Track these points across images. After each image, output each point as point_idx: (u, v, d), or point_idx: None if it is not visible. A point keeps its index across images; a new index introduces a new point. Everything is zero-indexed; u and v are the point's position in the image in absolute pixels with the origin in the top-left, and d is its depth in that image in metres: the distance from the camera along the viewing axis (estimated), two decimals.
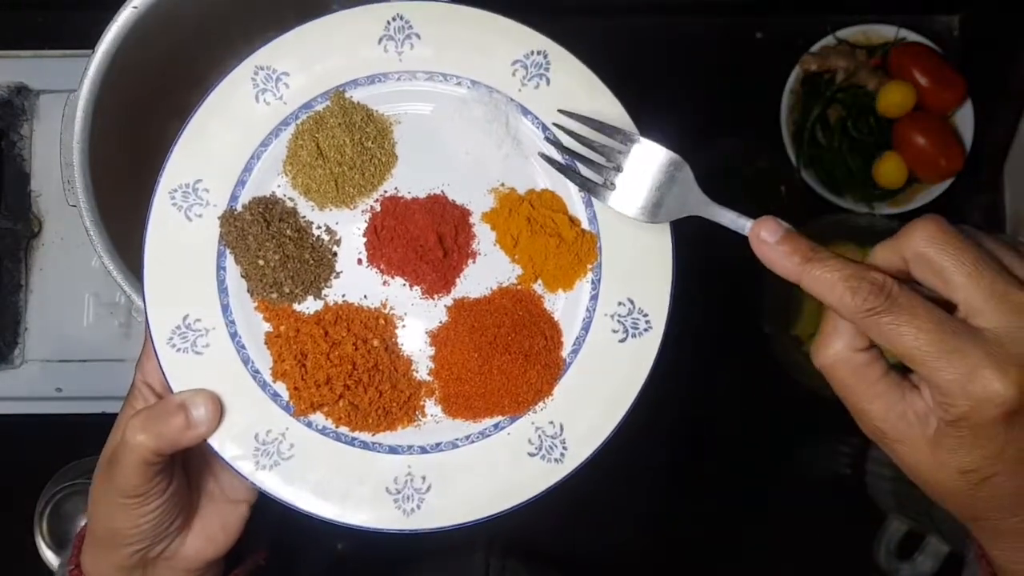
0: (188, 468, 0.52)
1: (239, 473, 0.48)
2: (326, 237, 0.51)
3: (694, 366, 0.96)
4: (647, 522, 0.93)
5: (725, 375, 0.95)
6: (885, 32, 0.92)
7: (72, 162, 0.67)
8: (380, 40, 0.51)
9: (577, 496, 0.93)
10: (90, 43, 0.68)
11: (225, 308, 0.49)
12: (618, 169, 0.46)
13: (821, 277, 0.40)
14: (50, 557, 0.86)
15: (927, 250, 0.39)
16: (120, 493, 0.46)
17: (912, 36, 0.91)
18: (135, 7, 0.68)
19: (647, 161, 0.46)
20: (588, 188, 0.47)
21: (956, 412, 0.37)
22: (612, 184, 0.46)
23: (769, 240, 0.42)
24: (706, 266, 0.96)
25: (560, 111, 0.49)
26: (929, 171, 0.89)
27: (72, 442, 0.87)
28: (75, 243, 0.86)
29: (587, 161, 0.47)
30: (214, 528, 0.51)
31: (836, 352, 0.41)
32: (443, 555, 0.88)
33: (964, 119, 0.90)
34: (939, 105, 0.89)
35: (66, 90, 0.68)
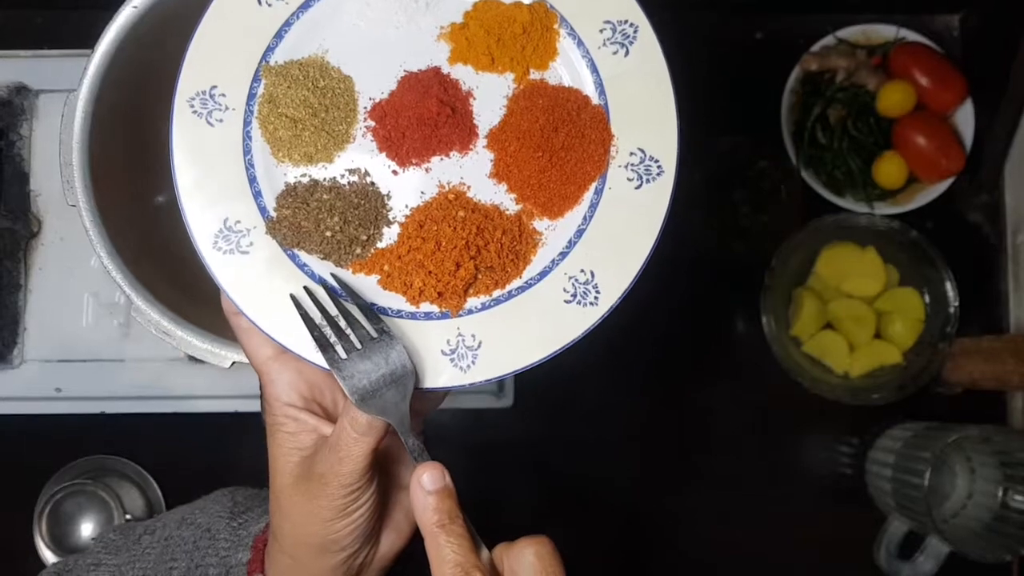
0: None
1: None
2: (355, 178, 0.53)
3: (694, 367, 0.96)
4: (647, 523, 0.93)
5: (725, 375, 0.95)
6: (885, 32, 0.92)
7: (71, 162, 0.67)
8: (260, 2, 0.52)
9: (577, 496, 0.93)
10: (90, 43, 0.68)
11: (336, 291, 0.50)
12: (357, 349, 0.48)
13: (443, 547, 0.42)
14: (49, 557, 0.86)
15: (518, 569, 0.42)
16: (345, 489, 0.47)
17: (912, 36, 0.91)
18: (135, 7, 0.68)
19: (384, 354, 0.48)
20: (321, 346, 0.48)
21: None
22: (345, 357, 0.48)
23: (426, 487, 0.44)
24: (706, 266, 0.96)
25: (333, 274, 0.50)
26: (929, 171, 0.89)
27: (71, 442, 0.87)
28: (74, 243, 0.86)
29: (335, 327, 0.49)
30: (399, 519, 0.53)
31: None
32: None
33: (964, 119, 0.91)
34: (939, 105, 0.89)
35: (65, 90, 0.68)
